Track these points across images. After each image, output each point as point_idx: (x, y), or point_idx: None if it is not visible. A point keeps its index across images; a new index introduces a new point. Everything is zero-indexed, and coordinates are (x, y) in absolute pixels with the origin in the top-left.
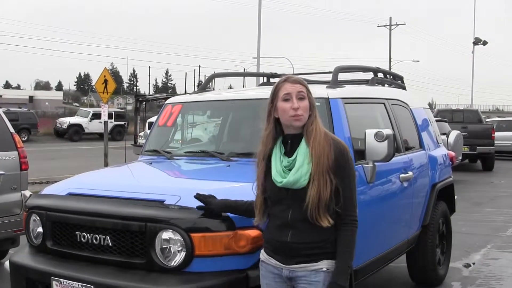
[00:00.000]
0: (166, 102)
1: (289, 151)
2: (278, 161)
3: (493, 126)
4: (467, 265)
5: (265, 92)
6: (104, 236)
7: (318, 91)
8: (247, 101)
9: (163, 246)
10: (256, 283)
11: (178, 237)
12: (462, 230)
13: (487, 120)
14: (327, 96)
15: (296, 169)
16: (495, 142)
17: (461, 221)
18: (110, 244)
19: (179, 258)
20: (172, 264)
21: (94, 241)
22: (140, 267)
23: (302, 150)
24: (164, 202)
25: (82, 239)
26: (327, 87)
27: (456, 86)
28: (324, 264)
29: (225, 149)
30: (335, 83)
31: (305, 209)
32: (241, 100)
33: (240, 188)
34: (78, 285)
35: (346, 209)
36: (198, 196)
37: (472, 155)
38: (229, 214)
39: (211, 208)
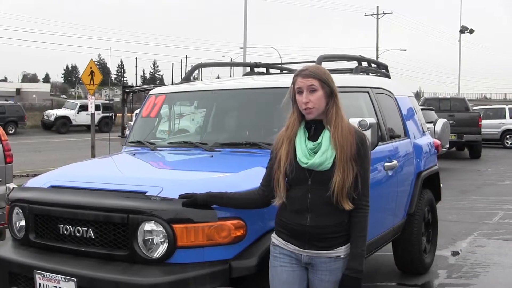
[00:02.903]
0: (150, 93)
1: (313, 136)
2: (303, 144)
3: (480, 114)
4: (455, 253)
5: (249, 82)
6: (86, 229)
7: None
8: (231, 91)
9: (146, 238)
10: (240, 274)
11: (160, 228)
12: (449, 218)
13: (474, 108)
14: None
15: (322, 152)
16: (482, 130)
17: (448, 209)
18: (93, 236)
19: (161, 249)
20: (154, 255)
21: (77, 234)
22: (123, 259)
23: (327, 135)
24: (146, 194)
25: (65, 232)
26: None
27: (444, 74)
28: (342, 251)
29: (209, 140)
30: None
31: (330, 193)
32: (224, 90)
33: (222, 178)
34: (61, 277)
35: (363, 195)
36: (181, 195)
37: (459, 143)
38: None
39: (195, 198)
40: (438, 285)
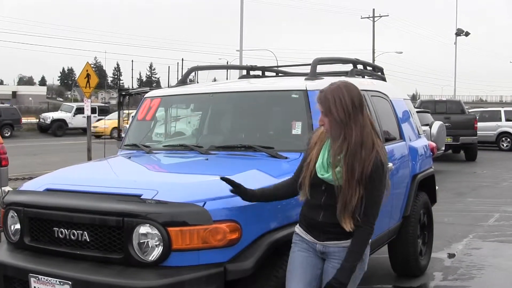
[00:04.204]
0: (145, 96)
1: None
2: (325, 155)
3: (476, 116)
4: (451, 255)
5: (244, 85)
6: (81, 232)
7: (296, 83)
8: (226, 93)
9: (141, 241)
10: (235, 277)
11: (155, 231)
12: (445, 220)
13: (469, 110)
14: (305, 88)
15: (333, 171)
16: (478, 132)
17: (444, 211)
18: (88, 240)
19: (156, 252)
20: (149, 258)
21: (72, 237)
22: (118, 262)
23: (337, 157)
24: (141, 197)
25: (60, 235)
26: (305, 79)
27: (440, 77)
28: None
29: (204, 143)
30: (313, 75)
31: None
32: (220, 93)
33: (217, 181)
34: (56, 281)
35: (369, 215)
36: (224, 179)
37: (455, 145)
38: (206, 207)
39: (246, 194)
40: (434, 287)
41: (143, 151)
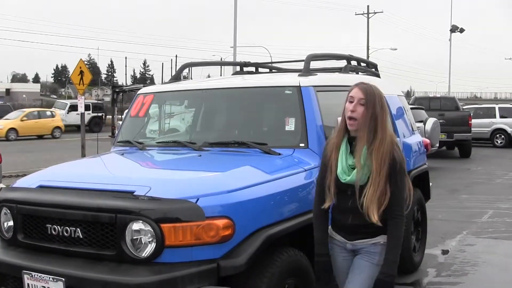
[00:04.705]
0: (138, 92)
1: (354, 151)
2: (344, 159)
3: (470, 113)
4: (444, 252)
5: (237, 81)
6: (74, 228)
7: (290, 79)
8: (219, 90)
9: (134, 237)
10: (228, 273)
11: (148, 228)
12: (438, 217)
13: (464, 107)
14: (298, 84)
15: (358, 170)
16: (472, 129)
17: (438, 208)
18: (81, 236)
19: (149, 249)
20: (142, 255)
21: (65, 234)
22: (111, 259)
23: (365, 152)
24: (134, 193)
25: (53, 232)
26: (299, 75)
27: (435, 74)
28: (381, 238)
29: (198, 139)
30: (307, 71)
31: (361, 203)
32: (213, 90)
33: (210, 177)
34: (49, 277)
35: (397, 205)
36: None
37: (450, 142)
38: (199, 204)
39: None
40: (427, 283)
41: (136, 148)
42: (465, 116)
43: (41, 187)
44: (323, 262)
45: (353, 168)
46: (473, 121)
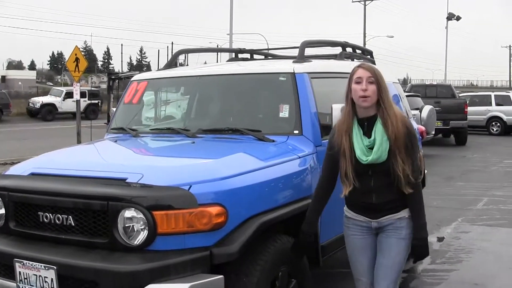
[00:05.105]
0: (132, 79)
1: (367, 132)
2: (360, 141)
3: (466, 101)
4: (440, 239)
5: (231, 68)
6: (66, 216)
7: (284, 66)
8: (213, 76)
9: (126, 225)
10: (221, 261)
11: (140, 215)
12: (434, 204)
13: (460, 95)
14: (293, 71)
15: (377, 147)
16: (468, 116)
17: (433, 195)
18: (73, 224)
19: (142, 236)
20: (135, 243)
21: (57, 221)
22: (103, 247)
23: (379, 130)
24: (126, 180)
25: (45, 220)
26: (293, 62)
27: (431, 61)
28: (405, 213)
29: (192, 126)
30: (301, 57)
31: (391, 180)
32: (206, 76)
33: (203, 164)
34: (41, 266)
35: (414, 173)
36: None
37: (445, 129)
38: (191, 191)
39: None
40: (422, 271)
41: (129, 135)
42: (461, 103)
43: (33, 174)
44: (309, 241)
45: (371, 148)
46: (469, 108)
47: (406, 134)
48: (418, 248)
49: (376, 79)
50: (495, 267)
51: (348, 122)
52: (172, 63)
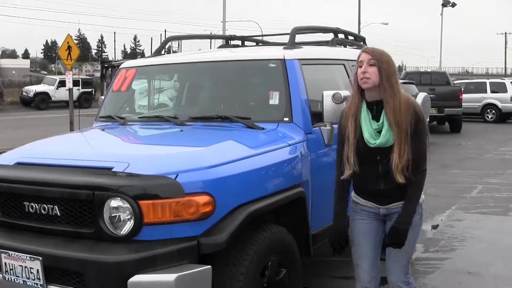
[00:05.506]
0: (121, 66)
1: (375, 116)
2: (368, 125)
3: (461, 88)
4: (433, 227)
5: (221, 54)
6: (52, 206)
7: (274, 52)
8: (203, 63)
9: (112, 215)
10: (208, 250)
11: (126, 205)
12: (428, 192)
13: (455, 82)
14: (283, 57)
15: (385, 131)
16: (463, 104)
17: (427, 183)
18: (59, 214)
19: (128, 226)
20: (121, 232)
21: (43, 211)
22: (89, 237)
23: (387, 112)
24: (113, 169)
25: (31, 210)
26: (283, 48)
27: (426, 48)
28: None
29: (181, 114)
30: (292, 44)
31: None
32: (195, 63)
33: (190, 152)
34: (27, 256)
35: (419, 162)
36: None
37: (440, 117)
38: (178, 180)
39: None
40: (415, 259)
41: (118, 123)
42: (456, 91)
43: (18, 164)
44: (343, 233)
45: (380, 132)
46: (464, 96)
47: (410, 120)
48: (396, 232)
49: (378, 62)
50: (489, 255)
51: (354, 106)
52: (161, 50)
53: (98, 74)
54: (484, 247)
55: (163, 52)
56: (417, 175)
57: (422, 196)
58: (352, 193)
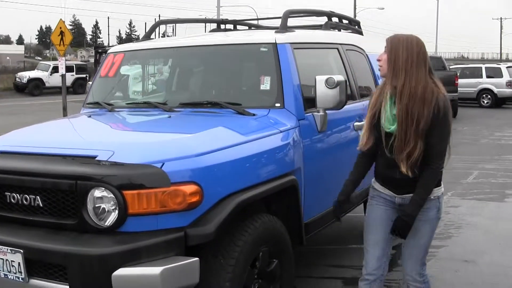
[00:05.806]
0: (108, 51)
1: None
2: (388, 109)
3: (457, 73)
4: None
5: (211, 39)
6: (34, 196)
7: (265, 36)
8: (192, 48)
9: (96, 205)
10: (196, 242)
11: (110, 195)
12: None
13: (451, 67)
14: (274, 41)
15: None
16: (459, 89)
17: None
18: (41, 205)
19: (112, 217)
20: (105, 224)
21: (25, 202)
22: (73, 228)
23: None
24: (96, 158)
25: (12, 200)
26: (275, 32)
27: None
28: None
29: (170, 99)
30: (284, 27)
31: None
32: (185, 47)
33: (177, 140)
34: (7, 249)
35: (434, 158)
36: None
37: None
38: (164, 169)
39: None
40: None
41: (105, 109)
42: (452, 76)
43: (0, 152)
44: (343, 204)
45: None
46: (460, 81)
47: (425, 113)
48: (400, 222)
49: (389, 49)
50: (485, 242)
51: (380, 90)
52: (150, 34)
53: (92, 60)
54: (480, 235)
55: (155, 38)
56: (427, 170)
57: (441, 189)
58: (372, 179)
